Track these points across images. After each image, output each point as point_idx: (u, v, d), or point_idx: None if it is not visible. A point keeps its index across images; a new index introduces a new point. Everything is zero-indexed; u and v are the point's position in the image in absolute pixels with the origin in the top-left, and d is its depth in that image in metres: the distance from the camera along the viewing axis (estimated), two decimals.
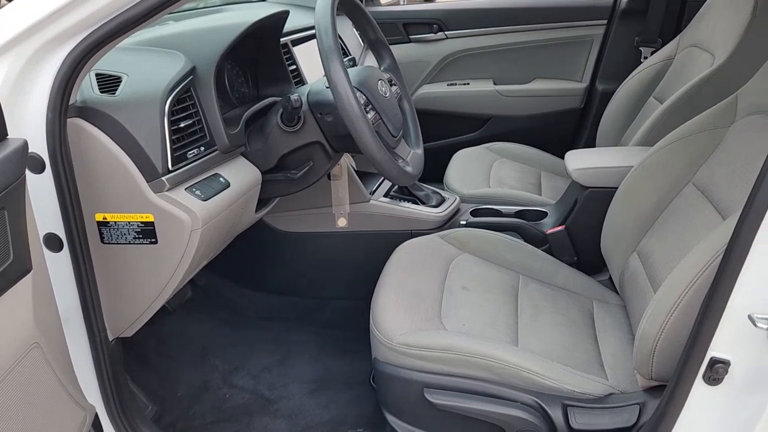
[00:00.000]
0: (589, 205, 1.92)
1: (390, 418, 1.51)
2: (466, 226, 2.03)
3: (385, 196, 2.06)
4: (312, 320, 2.13)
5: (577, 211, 1.94)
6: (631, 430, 1.34)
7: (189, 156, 1.36)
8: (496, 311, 1.64)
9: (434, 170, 2.48)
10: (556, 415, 1.37)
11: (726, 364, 1.09)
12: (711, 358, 1.10)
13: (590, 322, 1.71)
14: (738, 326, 1.07)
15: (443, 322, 1.54)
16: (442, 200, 2.08)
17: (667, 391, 1.19)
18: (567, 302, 1.76)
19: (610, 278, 1.89)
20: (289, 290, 2.15)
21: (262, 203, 1.64)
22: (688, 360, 1.12)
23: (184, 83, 1.38)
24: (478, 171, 2.45)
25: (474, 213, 2.10)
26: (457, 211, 2.10)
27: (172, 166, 1.31)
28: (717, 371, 1.10)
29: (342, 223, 1.88)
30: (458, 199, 2.12)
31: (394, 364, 1.46)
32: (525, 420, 1.37)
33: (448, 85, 2.96)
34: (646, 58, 2.68)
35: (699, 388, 1.13)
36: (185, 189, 1.35)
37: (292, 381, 1.88)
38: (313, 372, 1.93)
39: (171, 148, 1.29)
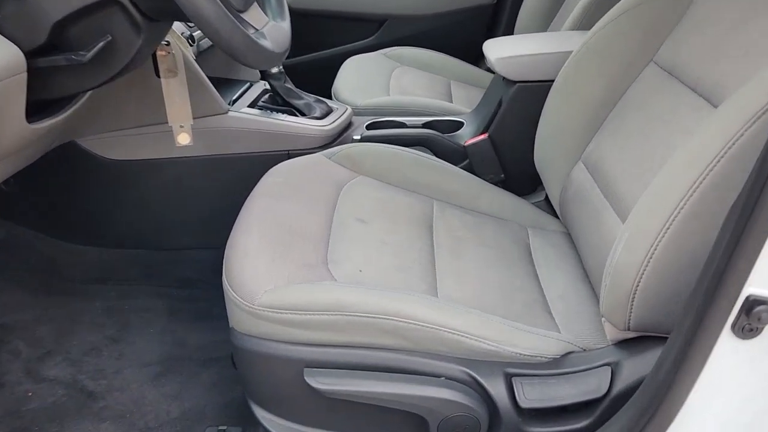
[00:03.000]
0: (518, 105, 1.48)
1: (258, 412, 1.03)
2: (360, 141, 1.55)
3: (251, 106, 1.53)
4: (160, 279, 1.60)
5: (503, 115, 1.50)
6: (601, 402, 0.94)
7: None
8: (404, 249, 1.18)
9: (320, 87, 1.95)
10: (497, 390, 0.95)
11: None
12: (748, 296, 0.68)
13: (527, 255, 1.29)
14: None
15: (331, 269, 1.07)
16: (329, 111, 1.58)
17: (669, 351, 0.78)
18: (495, 231, 1.33)
19: (547, 199, 1.48)
20: (127, 241, 1.60)
21: (45, 109, 1.08)
22: (709, 301, 0.71)
23: None
24: (375, 80, 1.96)
25: (371, 127, 1.62)
26: (349, 125, 1.62)
27: None
28: (757, 316, 0.68)
29: (184, 140, 1.34)
30: (350, 109, 1.63)
31: (257, 336, 0.98)
32: (453, 403, 0.94)
33: None
34: None
35: (724, 343, 0.72)
36: None
37: (129, 365, 1.37)
38: (160, 349, 1.42)
39: None
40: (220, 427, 1.21)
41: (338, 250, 1.13)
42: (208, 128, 1.45)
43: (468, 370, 0.95)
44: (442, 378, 0.95)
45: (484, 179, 1.45)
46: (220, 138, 1.46)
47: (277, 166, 1.35)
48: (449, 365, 0.96)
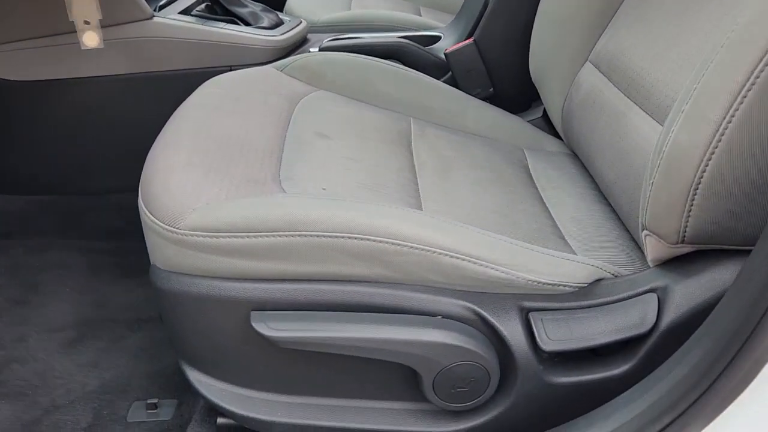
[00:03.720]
0: (508, 4, 1.23)
1: (193, 375, 0.78)
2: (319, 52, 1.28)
3: (184, 12, 1.25)
4: (78, 230, 1.32)
5: (490, 16, 1.25)
6: (646, 340, 0.71)
7: None
8: (378, 167, 0.93)
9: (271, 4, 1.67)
10: (511, 329, 0.71)
11: None
12: None
13: (527, 177, 1.05)
14: None
15: (285, 187, 0.81)
16: (279, 22, 1.31)
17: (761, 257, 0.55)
18: (487, 152, 1.09)
19: (545, 116, 1.24)
20: (35, 186, 1.31)
21: None
22: None
23: None
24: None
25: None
26: (304, 41, 1.35)
27: None
28: None
29: (91, 41, 1.06)
30: (304, 22, 1.36)
31: (185, 272, 0.72)
32: (453, 348, 0.70)
33: None
34: None
35: None
36: None
37: (35, 331, 1.09)
38: (76, 312, 1.14)
39: None
40: (150, 401, 0.95)
41: (294, 167, 0.87)
42: (128, 38, 1.17)
43: (472, 306, 0.71)
44: (438, 317, 0.71)
45: (470, 94, 1.21)
46: (143, 51, 1.18)
47: (216, 77, 1.08)
48: (447, 300, 0.71)
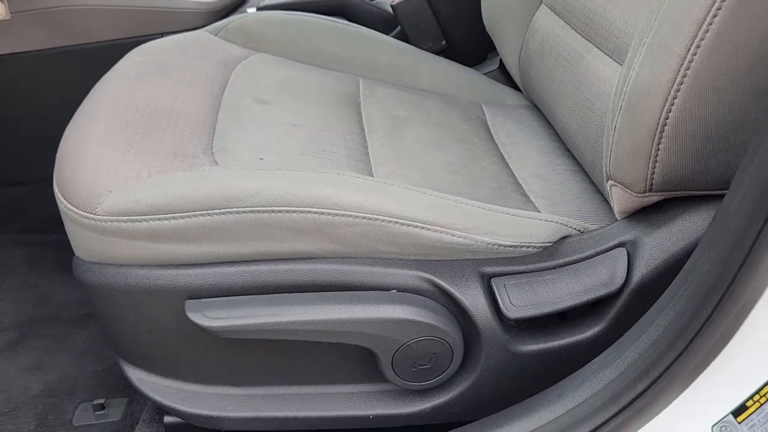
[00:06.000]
0: None
1: (132, 373, 0.71)
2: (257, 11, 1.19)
3: None
4: (11, 222, 1.23)
5: None
6: (616, 299, 0.66)
7: None
8: (323, 132, 0.86)
9: None
10: (472, 298, 0.65)
11: None
12: None
13: (485, 133, 0.99)
14: None
15: (218, 159, 0.74)
16: None
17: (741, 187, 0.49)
18: (442, 110, 1.03)
19: (501, 68, 1.18)
20: None
21: None
22: None
23: None
24: None
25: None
26: (241, 1, 1.25)
27: None
28: None
29: None
30: None
31: (109, 262, 0.65)
32: (410, 323, 0.64)
33: None
34: None
35: None
36: None
37: None
38: (15, 310, 1.06)
39: None
40: (97, 401, 0.88)
41: (227, 136, 0.79)
42: (43, 9, 1.06)
43: (428, 275, 0.65)
44: (393, 291, 0.65)
45: (422, 49, 1.13)
46: (60, 22, 1.08)
47: (143, 45, 0.99)
48: (400, 271, 0.65)
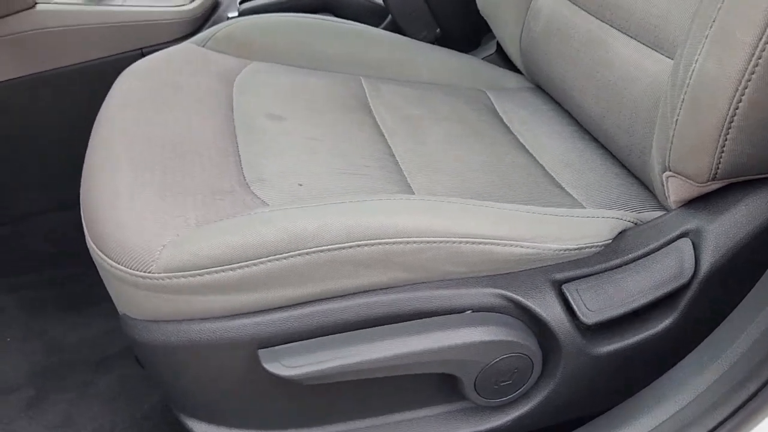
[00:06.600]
0: None
1: (192, 425, 0.67)
2: (239, 16, 1.13)
3: None
4: (4, 265, 1.15)
5: None
6: (686, 291, 0.66)
7: None
8: (346, 144, 0.82)
9: None
10: (548, 308, 0.64)
11: None
12: None
13: (499, 123, 0.97)
14: None
15: (256, 191, 0.69)
16: None
17: None
18: (451, 102, 1.00)
19: (499, 50, 1.15)
20: None
21: None
22: None
23: None
24: None
25: (247, 2, 1.20)
26: (216, 5, 1.18)
27: None
28: None
29: None
30: None
31: (169, 318, 0.61)
32: (491, 344, 0.62)
33: None
34: None
35: None
36: None
37: None
38: (26, 363, 0.99)
39: None
40: None
41: (257, 163, 0.75)
42: (12, 34, 0.98)
43: (502, 291, 0.64)
44: (468, 312, 0.63)
45: (416, 39, 1.10)
46: (31, 47, 0.99)
47: (130, 67, 0.92)
48: (474, 290, 0.63)
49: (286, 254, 0.58)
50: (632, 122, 0.78)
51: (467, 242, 0.62)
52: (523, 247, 0.64)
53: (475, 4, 1.09)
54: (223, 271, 0.58)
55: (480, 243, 0.62)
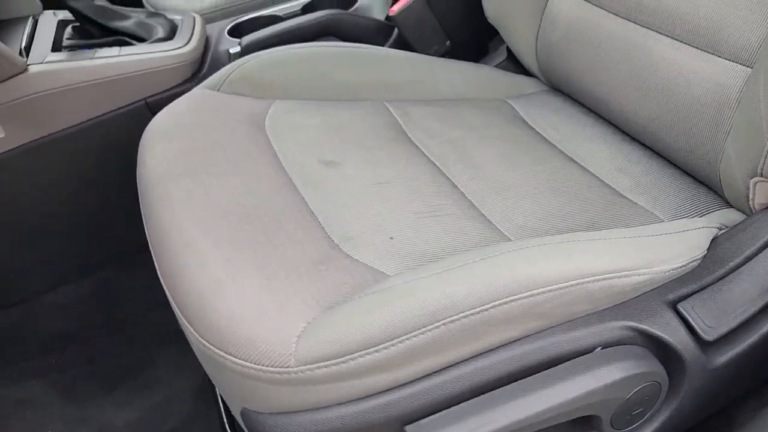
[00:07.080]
0: None
1: None
2: (242, 54, 1.06)
3: (56, 50, 0.97)
4: (22, 350, 1.05)
5: None
6: None
7: None
8: (410, 179, 0.80)
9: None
10: (671, 331, 0.64)
11: None
12: None
13: (534, 134, 0.97)
14: None
15: (349, 251, 0.66)
16: (173, 25, 1.06)
17: None
18: (482, 118, 0.99)
19: (510, 55, 1.14)
20: None
21: None
22: None
23: None
24: None
25: (234, 32, 1.14)
26: (207, 40, 1.11)
27: None
28: None
29: None
30: (197, 17, 1.12)
31: (300, 409, 0.57)
32: (630, 378, 0.62)
33: None
34: None
35: None
36: None
37: None
38: None
39: None
40: None
41: (335, 219, 0.71)
42: (7, 102, 0.88)
43: (625, 322, 0.63)
44: (597, 350, 0.62)
45: (427, 54, 1.07)
46: (30, 111, 0.90)
47: (150, 127, 0.85)
48: (599, 327, 0.63)
49: (428, 327, 0.55)
50: (692, 125, 0.79)
51: (595, 280, 0.61)
52: (640, 275, 0.63)
53: (482, 12, 1.07)
54: (366, 355, 0.54)
55: (605, 279, 0.61)
